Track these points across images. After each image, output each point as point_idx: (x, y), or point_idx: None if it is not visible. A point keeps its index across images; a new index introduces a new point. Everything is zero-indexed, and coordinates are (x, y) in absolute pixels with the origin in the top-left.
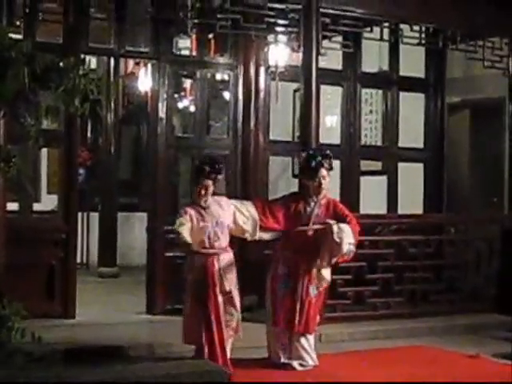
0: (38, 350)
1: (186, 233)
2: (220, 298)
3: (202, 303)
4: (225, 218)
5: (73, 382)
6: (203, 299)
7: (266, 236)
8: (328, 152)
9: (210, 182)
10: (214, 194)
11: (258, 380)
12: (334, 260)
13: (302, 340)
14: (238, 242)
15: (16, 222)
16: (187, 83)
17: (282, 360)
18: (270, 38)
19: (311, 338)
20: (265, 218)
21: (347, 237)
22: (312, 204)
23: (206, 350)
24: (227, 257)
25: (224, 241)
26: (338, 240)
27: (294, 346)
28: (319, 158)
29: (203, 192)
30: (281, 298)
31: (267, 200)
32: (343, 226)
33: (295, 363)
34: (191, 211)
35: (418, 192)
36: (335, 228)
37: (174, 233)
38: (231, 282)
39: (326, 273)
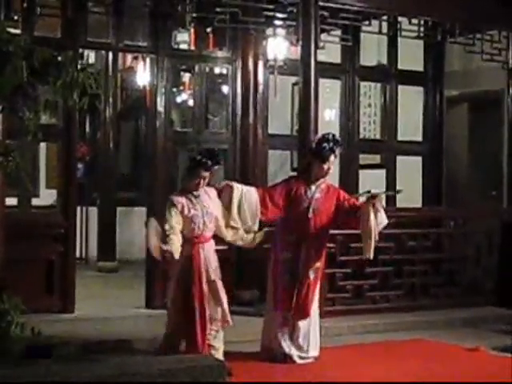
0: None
1: (174, 247)
2: (205, 287)
3: (187, 292)
4: (213, 209)
5: (71, 376)
6: (188, 288)
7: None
8: (339, 139)
9: (207, 174)
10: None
11: (257, 375)
12: (378, 231)
13: (303, 328)
14: None
15: (15, 216)
16: (186, 77)
17: (285, 349)
18: (269, 31)
19: (313, 327)
20: (265, 209)
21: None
22: (313, 188)
23: (185, 342)
24: (211, 246)
25: (210, 231)
26: (381, 208)
27: (296, 334)
28: (332, 144)
29: (202, 183)
30: (284, 284)
31: (267, 189)
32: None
33: (295, 356)
34: (182, 200)
35: (417, 185)
36: (382, 195)
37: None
38: (216, 272)
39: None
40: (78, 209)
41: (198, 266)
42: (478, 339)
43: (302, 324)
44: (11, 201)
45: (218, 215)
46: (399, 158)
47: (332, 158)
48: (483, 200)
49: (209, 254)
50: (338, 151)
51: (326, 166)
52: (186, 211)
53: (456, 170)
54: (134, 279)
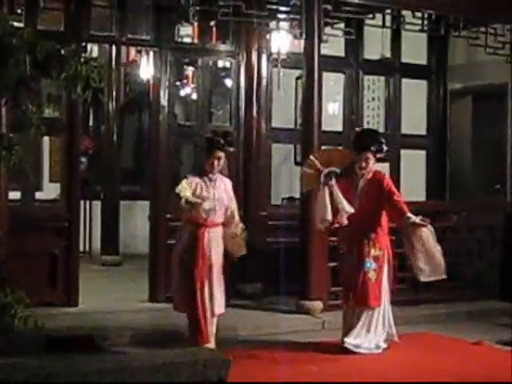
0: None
1: (186, 191)
2: (206, 269)
3: (189, 272)
4: (225, 197)
5: (73, 369)
6: (190, 268)
7: None
8: (379, 137)
9: (222, 154)
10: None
11: (257, 369)
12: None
13: (365, 319)
14: None
15: (18, 210)
16: (189, 71)
17: (345, 340)
18: (272, 24)
19: (378, 317)
20: None
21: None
22: (361, 181)
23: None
24: (217, 233)
25: (219, 217)
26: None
27: (357, 325)
28: (367, 140)
29: (216, 163)
30: (345, 275)
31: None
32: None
33: (351, 346)
34: (196, 179)
35: (421, 179)
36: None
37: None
38: (216, 258)
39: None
40: (82, 202)
41: (201, 246)
42: (481, 333)
43: (364, 315)
44: (15, 194)
45: (232, 207)
46: (403, 152)
47: (367, 154)
48: (487, 193)
49: (214, 239)
50: (375, 148)
51: (359, 161)
52: (198, 191)
53: (460, 163)
54: (137, 273)
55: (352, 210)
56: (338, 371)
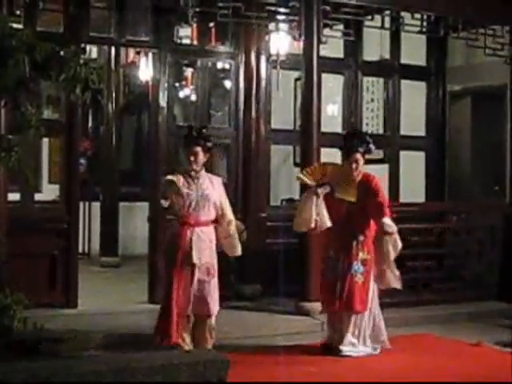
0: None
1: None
2: (187, 269)
3: (169, 269)
4: (212, 194)
5: (72, 370)
6: (171, 265)
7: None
8: (367, 138)
9: (198, 149)
10: (208, 171)
11: (257, 370)
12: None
13: (354, 323)
14: None
15: (18, 212)
16: (188, 72)
17: (336, 344)
18: (271, 26)
19: (367, 321)
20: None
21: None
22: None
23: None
24: (203, 232)
25: (204, 215)
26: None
27: (346, 329)
28: (355, 142)
29: (192, 158)
30: (328, 280)
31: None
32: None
33: (346, 351)
34: (179, 176)
35: (420, 180)
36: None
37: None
38: (202, 257)
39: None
40: (81, 204)
41: (182, 244)
42: (480, 334)
43: (352, 320)
44: (14, 196)
45: (222, 205)
46: (402, 153)
47: (357, 156)
48: (486, 195)
49: (199, 238)
50: (364, 149)
51: (349, 164)
52: (180, 186)
53: (459, 164)
54: (136, 274)
55: (329, 225)
56: (338, 372)
